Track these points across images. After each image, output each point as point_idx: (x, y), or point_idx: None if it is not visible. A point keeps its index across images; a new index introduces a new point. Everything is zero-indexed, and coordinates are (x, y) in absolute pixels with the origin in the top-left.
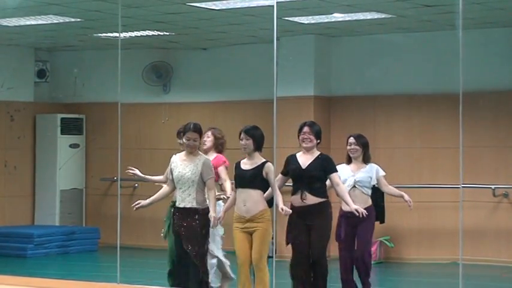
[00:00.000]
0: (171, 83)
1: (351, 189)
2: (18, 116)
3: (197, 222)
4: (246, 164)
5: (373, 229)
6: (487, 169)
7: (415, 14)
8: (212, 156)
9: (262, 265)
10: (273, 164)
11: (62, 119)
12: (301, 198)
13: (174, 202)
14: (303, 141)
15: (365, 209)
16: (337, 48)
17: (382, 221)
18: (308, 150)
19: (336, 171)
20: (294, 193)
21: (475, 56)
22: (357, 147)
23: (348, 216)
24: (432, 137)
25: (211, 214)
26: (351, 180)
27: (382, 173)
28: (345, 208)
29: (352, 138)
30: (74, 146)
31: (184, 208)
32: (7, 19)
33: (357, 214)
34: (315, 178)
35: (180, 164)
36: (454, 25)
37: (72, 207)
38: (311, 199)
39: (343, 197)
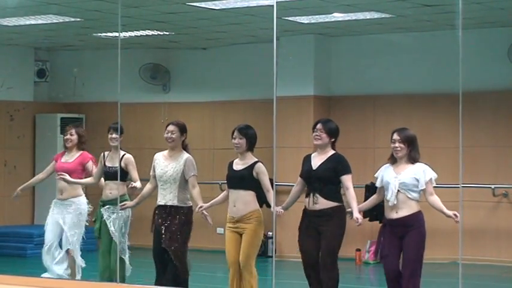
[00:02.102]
0: (170, 82)
1: (396, 193)
2: (18, 115)
3: (178, 220)
4: (237, 164)
5: (423, 242)
6: (487, 169)
7: (415, 14)
8: (77, 153)
9: (249, 267)
10: (272, 164)
11: (62, 118)
12: (312, 201)
13: (104, 201)
14: (314, 139)
15: (413, 215)
16: (337, 48)
17: (381, 221)
18: (321, 148)
19: (349, 173)
20: (306, 195)
21: (475, 56)
22: (402, 145)
23: (392, 225)
24: (432, 136)
25: (200, 204)
26: (394, 183)
27: (429, 177)
28: (389, 215)
29: (395, 134)
30: None
31: (165, 206)
32: (7, 19)
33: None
34: (325, 180)
35: (163, 162)
36: (453, 25)
37: None
38: (322, 203)
39: (350, 203)
